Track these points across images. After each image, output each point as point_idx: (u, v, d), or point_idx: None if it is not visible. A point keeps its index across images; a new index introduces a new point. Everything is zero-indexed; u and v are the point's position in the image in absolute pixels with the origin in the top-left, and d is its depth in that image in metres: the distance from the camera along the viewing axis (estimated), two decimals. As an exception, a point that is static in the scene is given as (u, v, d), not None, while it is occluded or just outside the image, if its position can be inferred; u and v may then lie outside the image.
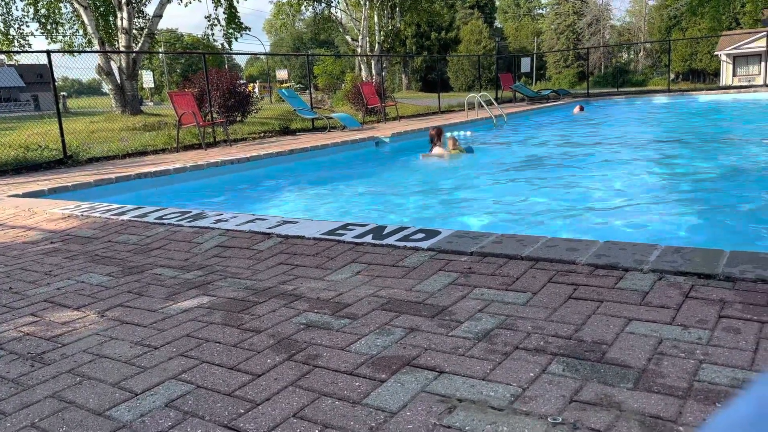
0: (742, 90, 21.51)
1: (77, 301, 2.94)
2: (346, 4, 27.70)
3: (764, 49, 27.52)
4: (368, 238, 3.49)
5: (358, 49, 26.04)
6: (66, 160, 9.40)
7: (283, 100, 16.08)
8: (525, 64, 27.69)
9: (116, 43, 18.27)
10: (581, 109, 17.26)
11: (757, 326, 2.04)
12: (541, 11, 73.57)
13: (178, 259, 3.58)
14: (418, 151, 9.53)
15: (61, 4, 20.38)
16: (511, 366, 1.90)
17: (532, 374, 1.83)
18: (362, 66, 26.21)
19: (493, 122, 13.84)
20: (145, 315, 2.65)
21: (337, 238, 3.57)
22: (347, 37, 28.09)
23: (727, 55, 39.94)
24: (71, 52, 16.17)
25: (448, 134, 9.41)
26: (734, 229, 4.83)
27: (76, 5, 16.74)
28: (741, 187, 6.39)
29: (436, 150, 8.95)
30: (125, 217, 4.76)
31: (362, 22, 25.53)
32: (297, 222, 4.05)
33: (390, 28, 26.72)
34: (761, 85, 23.64)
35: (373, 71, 24.74)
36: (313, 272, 3.07)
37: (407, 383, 1.84)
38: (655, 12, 58.23)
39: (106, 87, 17.14)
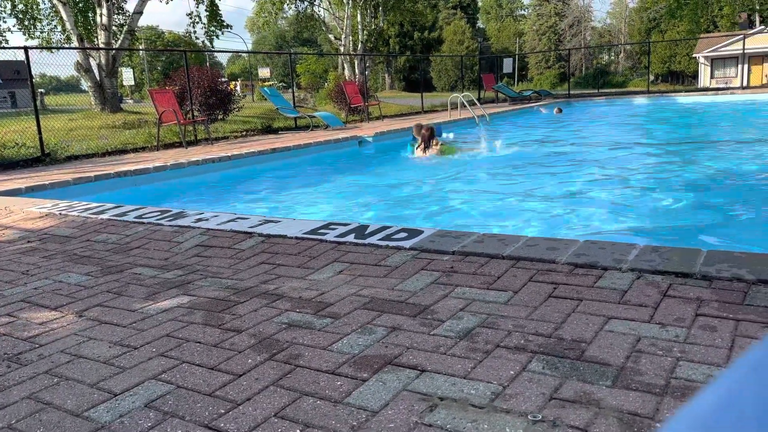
0: (720, 92, 21.84)
1: (55, 300, 2.90)
2: (329, 2, 27.64)
3: (741, 51, 27.99)
4: (350, 238, 3.49)
5: (341, 48, 26.00)
6: (44, 158, 9.27)
7: (266, 99, 16.00)
8: (507, 65, 27.85)
9: (95, 39, 18.04)
10: (559, 110, 17.56)
11: (732, 324, 2.07)
12: (523, 12, 74.05)
13: (158, 258, 3.55)
14: (401, 150, 9.54)
15: (39, 0, 20.07)
16: (491, 364, 1.91)
17: (512, 372, 1.85)
18: (345, 65, 26.18)
19: (476, 122, 13.90)
20: (125, 315, 2.63)
21: (319, 237, 3.56)
22: (330, 35, 28.05)
23: (705, 57, 40.53)
24: (49, 49, 15.88)
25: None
26: (711, 228, 4.91)
27: (55, 1, 16.50)
28: (718, 186, 6.49)
29: (431, 151, 8.84)
30: (104, 216, 4.70)
31: (345, 21, 25.50)
32: (279, 221, 4.04)
33: (373, 27, 26.73)
34: (738, 87, 24.04)
35: (357, 70, 24.72)
36: (295, 272, 3.06)
37: (389, 382, 1.84)
38: (635, 14, 58.89)
39: (85, 84, 16.91)
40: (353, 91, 16.36)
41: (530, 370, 1.86)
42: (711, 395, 0.20)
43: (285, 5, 27.33)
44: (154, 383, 1.96)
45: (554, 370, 1.84)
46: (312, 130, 13.40)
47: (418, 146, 8.99)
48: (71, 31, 16.60)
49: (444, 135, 11.21)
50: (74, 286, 3.11)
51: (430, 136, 8.91)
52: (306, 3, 27.40)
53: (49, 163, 9.18)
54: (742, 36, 29.92)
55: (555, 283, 2.58)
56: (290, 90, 17.89)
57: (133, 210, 4.85)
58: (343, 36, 25.79)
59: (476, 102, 15.60)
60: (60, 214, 4.99)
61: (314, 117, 13.92)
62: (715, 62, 40.51)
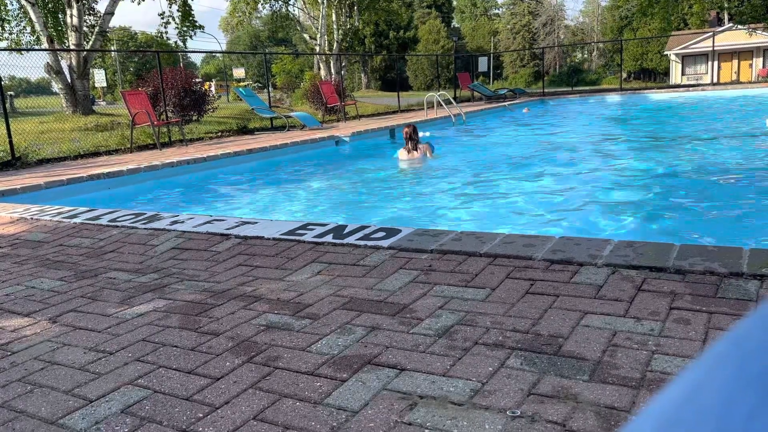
0: (691, 89, 22.22)
1: (27, 307, 2.85)
2: (304, 2, 27.54)
3: (711, 48, 28.51)
4: (329, 238, 3.48)
5: (317, 48, 25.92)
6: (14, 162, 9.08)
7: (241, 99, 15.88)
8: (482, 64, 28.03)
9: (66, 41, 17.74)
10: (527, 110, 18.02)
11: (705, 317, 2.11)
12: (497, 11, 74.49)
13: (133, 262, 3.50)
14: (378, 149, 9.53)
15: (7, 0, 19.67)
16: (470, 361, 1.92)
17: (491, 369, 1.86)
18: (321, 65, 26.10)
19: (452, 121, 13.96)
20: (99, 320, 2.59)
21: (297, 238, 3.55)
22: (305, 35, 27.94)
23: (676, 54, 41.21)
24: (19, 51, 15.56)
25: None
26: (684, 222, 4.99)
27: (23, 2, 16.18)
28: (691, 181, 6.60)
29: (413, 153, 8.56)
30: (77, 220, 4.63)
31: (320, 20, 25.42)
32: (256, 222, 4.01)
33: (348, 26, 26.68)
34: (709, 84, 24.48)
35: (332, 70, 24.66)
36: (272, 273, 3.05)
37: (368, 382, 1.84)
38: (608, 12, 59.65)
39: (56, 86, 16.60)
40: (329, 90, 16.31)
41: (508, 366, 1.87)
42: (675, 390, 0.20)
43: (259, 5, 27.18)
44: (130, 389, 1.93)
45: (532, 366, 1.86)
46: (288, 130, 13.33)
47: (404, 147, 8.70)
48: (41, 33, 16.29)
49: (420, 134, 11.22)
50: (47, 292, 3.05)
51: (412, 133, 8.55)
52: (280, 2, 27.27)
53: (20, 167, 9.00)
54: (711, 33, 30.48)
55: (532, 280, 2.60)
56: (266, 90, 17.79)
57: (106, 213, 4.78)
58: (318, 35, 25.71)
59: (452, 101, 15.66)
60: (32, 218, 4.89)
61: (290, 117, 13.84)
62: (686, 59, 41.22)
